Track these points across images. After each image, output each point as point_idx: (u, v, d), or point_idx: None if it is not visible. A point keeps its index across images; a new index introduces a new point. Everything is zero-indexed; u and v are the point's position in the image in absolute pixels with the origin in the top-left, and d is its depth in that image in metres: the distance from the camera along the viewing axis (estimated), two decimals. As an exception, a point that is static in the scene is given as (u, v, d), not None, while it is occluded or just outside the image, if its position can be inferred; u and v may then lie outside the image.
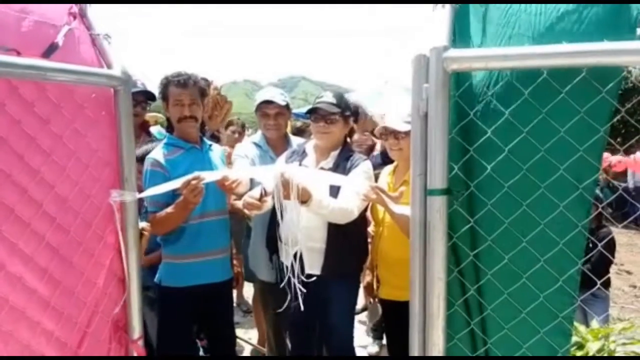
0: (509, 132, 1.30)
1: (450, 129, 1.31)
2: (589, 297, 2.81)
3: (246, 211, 2.36)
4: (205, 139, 2.65)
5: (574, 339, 1.48)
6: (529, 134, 1.27)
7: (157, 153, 2.44)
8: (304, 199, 2.10)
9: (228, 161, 2.90)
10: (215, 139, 3.09)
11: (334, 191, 2.36)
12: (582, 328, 1.55)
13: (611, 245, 3.29)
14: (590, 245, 1.53)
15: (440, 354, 1.32)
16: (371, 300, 3.27)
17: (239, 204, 2.46)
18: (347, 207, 2.28)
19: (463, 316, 1.43)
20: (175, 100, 2.43)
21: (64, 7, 1.52)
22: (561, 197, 1.27)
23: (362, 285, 3.00)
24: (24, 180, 1.36)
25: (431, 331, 1.33)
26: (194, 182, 2.06)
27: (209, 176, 2.11)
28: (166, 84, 2.45)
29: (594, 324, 1.56)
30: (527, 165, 1.28)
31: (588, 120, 1.23)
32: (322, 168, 2.49)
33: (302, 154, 2.60)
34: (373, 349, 3.99)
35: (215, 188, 2.30)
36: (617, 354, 1.43)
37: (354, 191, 2.29)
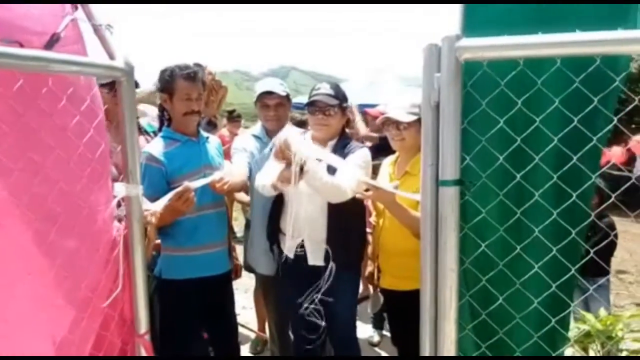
0: (520, 122, 1.29)
1: (461, 119, 1.29)
2: (591, 285, 2.81)
3: (279, 184, 2.32)
4: (201, 131, 2.61)
5: (583, 327, 1.49)
6: (542, 123, 1.26)
7: (152, 147, 2.40)
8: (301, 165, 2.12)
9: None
10: (213, 125, 3.01)
11: (332, 173, 2.35)
12: (589, 316, 1.55)
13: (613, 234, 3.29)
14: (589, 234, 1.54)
15: (452, 345, 1.32)
16: (372, 290, 3.27)
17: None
18: (341, 185, 2.25)
19: (473, 306, 1.43)
20: (185, 94, 2.37)
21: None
22: (573, 188, 1.27)
23: (364, 275, 3.00)
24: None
25: (443, 322, 1.33)
26: (185, 194, 2.08)
27: (197, 184, 2.16)
28: (172, 77, 2.38)
29: (602, 312, 1.57)
30: (540, 155, 1.27)
31: (601, 109, 1.22)
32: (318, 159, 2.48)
33: None
34: (374, 338, 4.01)
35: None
36: (626, 342, 1.44)
37: (352, 174, 2.28)
